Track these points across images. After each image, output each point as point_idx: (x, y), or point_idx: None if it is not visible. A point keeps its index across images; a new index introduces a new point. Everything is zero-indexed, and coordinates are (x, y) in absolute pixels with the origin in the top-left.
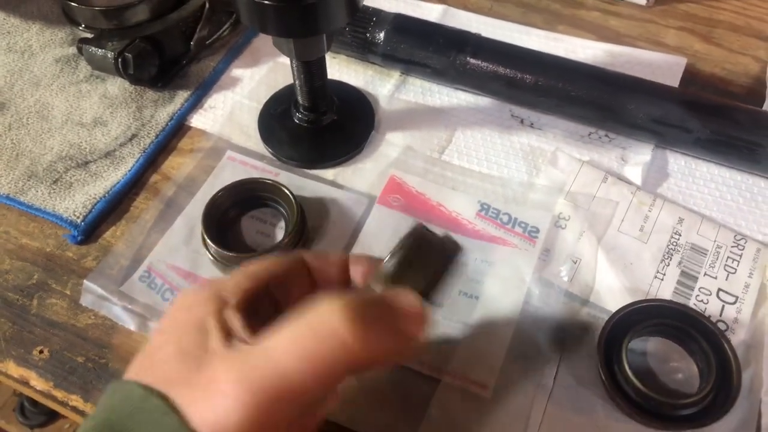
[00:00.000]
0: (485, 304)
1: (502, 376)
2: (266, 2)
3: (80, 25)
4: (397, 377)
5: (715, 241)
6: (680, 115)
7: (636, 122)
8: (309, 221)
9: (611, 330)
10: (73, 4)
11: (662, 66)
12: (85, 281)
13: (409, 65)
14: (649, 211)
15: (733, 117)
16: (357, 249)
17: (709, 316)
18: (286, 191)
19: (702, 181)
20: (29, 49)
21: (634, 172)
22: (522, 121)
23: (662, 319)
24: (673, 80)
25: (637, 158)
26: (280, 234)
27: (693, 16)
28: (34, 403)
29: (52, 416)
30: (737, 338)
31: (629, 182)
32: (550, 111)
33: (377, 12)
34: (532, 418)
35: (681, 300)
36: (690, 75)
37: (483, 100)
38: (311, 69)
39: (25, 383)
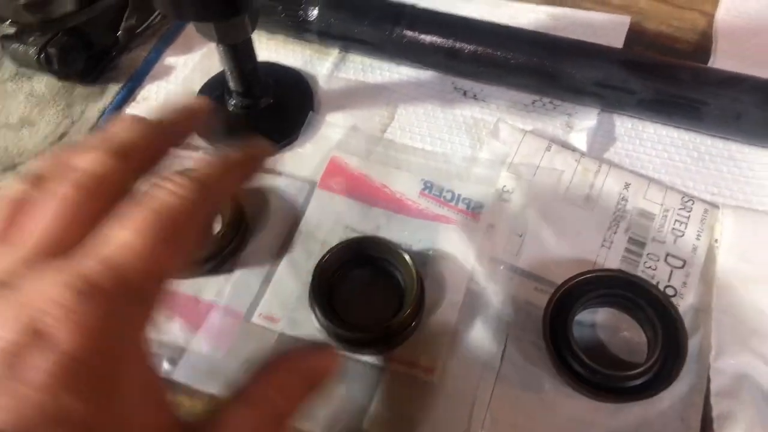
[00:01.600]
0: (429, 286)
1: (449, 359)
2: None
3: (4, 21)
4: (340, 370)
5: (662, 204)
6: (622, 77)
7: (578, 87)
8: (248, 212)
9: (556, 303)
10: None
11: (606, 27)
12: None
13: (346, 42)
14: (595, 177)
15: (675, 75)
16: (299, 237)
17: (657, 283)
18: None
19: (649, 144)
20: None
21: (579, 138)
22: (465, 93)
23: (608, 288)
24: (617, 41)
25: (582, 124)
26: (216, 227)
27: None
28: None
29: None
30: (686, 303)
31: (574, 149)
32: (492, 81)
33: None
34: (479, 399)
35: (629, 268)
36: (636, 34)
37: (425, 74)
38: (239, 53)
39: None
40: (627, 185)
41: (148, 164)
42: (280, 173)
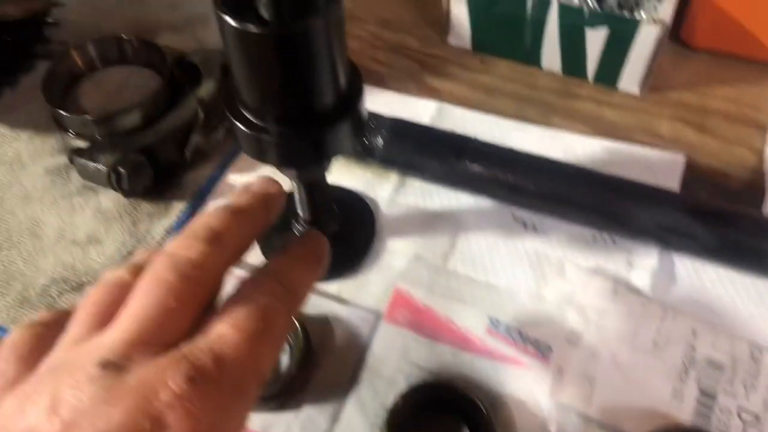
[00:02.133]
0: (502, 428)
1: None
2: (267, 138)
3: (70, 132)
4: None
5: (731, 354)
6: (685, 223)
7: (640, 228)
8: (314, 343)
9: None
10: (62, 112)
11: (661, 164)
12: None
13: (408, 169)
14: (661, 323)
15: (737, 224)
16: (366, 372)
17: None
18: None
19: (711, 286)
20: (19, 160)
21: (642, 278)
22: (525, 225)
23: None
24: (673, 179)
25: (643, 263)
26: (284, 359)
27: (686, 104)
28: None
29: None
30: None
31: (638, 291)
32: (553, 215)
33: (375, 116)
34: None
35: (702, 422)
36: (688, 169)
37: (484, 202)
38: (314, 188)
39: None
40: (694, 332)
41: (239, 253)
42: (344, 302)
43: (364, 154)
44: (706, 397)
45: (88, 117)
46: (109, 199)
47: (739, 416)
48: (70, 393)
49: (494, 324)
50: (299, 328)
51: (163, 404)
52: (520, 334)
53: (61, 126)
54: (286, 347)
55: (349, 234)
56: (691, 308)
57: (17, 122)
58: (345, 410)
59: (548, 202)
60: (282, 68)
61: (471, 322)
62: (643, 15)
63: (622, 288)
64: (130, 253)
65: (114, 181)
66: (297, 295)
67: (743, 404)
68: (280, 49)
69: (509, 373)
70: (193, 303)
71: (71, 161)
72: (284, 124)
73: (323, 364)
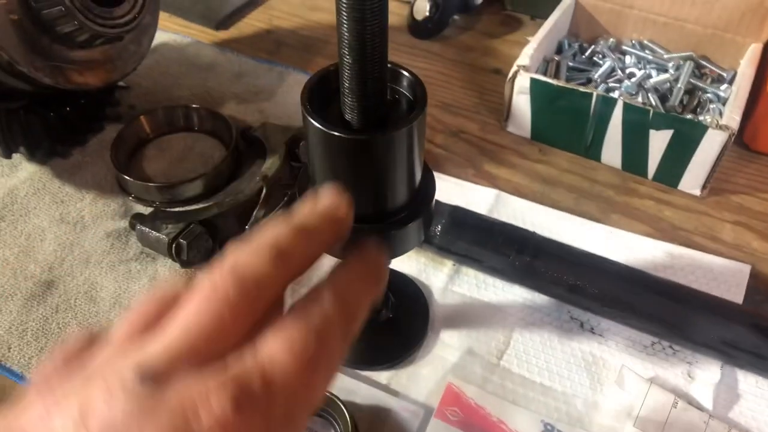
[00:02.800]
0: None
1: None
2: None
3: (131, 196)
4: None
5: None
6: (752, 341)
7: (702, 340)
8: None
9: None
10: (127, 177)
11: (725, 273)
12: None
13: (465, 258)
14: None
15: None
16: None
17: None
18: (340, 405)
19: None
20: (81, 221)
21: (704, 393)
22: (582, 325)
23: None
24: (738, 290)
25: (705, 376)
26: None
27: (747, 209)
28: None
29: None
30: None
31: (699, 406)
32: (612, 319)
33: (435, 203)
34: None
35: None
36: (753, 280)
37: (540, 298)
38: None
39: None
40: None
41: (301, 272)
42: (394, 393)
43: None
44: None
45: (151, 184)
46: (166, 267)
47: None
48: (101, 403)
49: (548, 430)
50: (348, 417)
51: (202, 428)
52: None
53: (124, 190)
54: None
55: (401, 323)
56: (753, 426)
57: (83, 182)
58: None
59: (608, 305)
60: (359, 170)
61: (524, 426)
62: (707, 118)
63: (682, 402)
64: None
65: (174, 252)
66: (355, 318)
67: None
68: (360, 153)
69: None
70: (249, 319)
71: (132, 227)
72: (357, 220)
73: None
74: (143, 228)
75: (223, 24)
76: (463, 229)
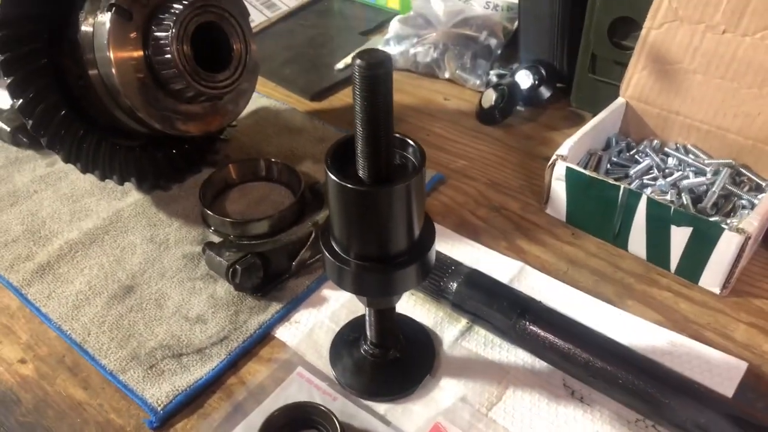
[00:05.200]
0: None
1: None
2: (347, 269)
3: (210, 228)
4: None
5: None
6: (724, 428)
7: (680, 423)
8: None
9: None
10: (209, 211)
11: (721, 367)
12: None
13: (475, 318)
14: None
15: None
16: None
17: None
18: (336, 422)
19: None
20: (166, 242)
21: None
22: (573, 393)
23: None
24: (730, 384)
25: None
26: None
27: (766, 313)
28: None
29: None
30: None
31: None
32: (599, 390)
33: (456, 263)
34: None
35: None
36: (754, 378)
37: (540, 363)
38: (382, 314)
39: None
40: None
41: None
42: (387, 423)
43: (438, 296)
44: None
45: (227, 219)
46: (223, 289)
47: None
48: None
49: None
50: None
51: None
52: None
53: (205, 222)
54: None
55: (407, 363)
56: None
57: (174, 212)
58: None
59: (593, 374)
60: (367, 217)
61: None
62: (734, 221)
63: None
64: (226, 338)
65: (230, 275)
66: None
67: None
68: (367, 203)
69: None
70: None
71: (203, 251)
72: (362, 260)
73: None
74: (211, 252)
75: (317, 96)
76: (476, 289)
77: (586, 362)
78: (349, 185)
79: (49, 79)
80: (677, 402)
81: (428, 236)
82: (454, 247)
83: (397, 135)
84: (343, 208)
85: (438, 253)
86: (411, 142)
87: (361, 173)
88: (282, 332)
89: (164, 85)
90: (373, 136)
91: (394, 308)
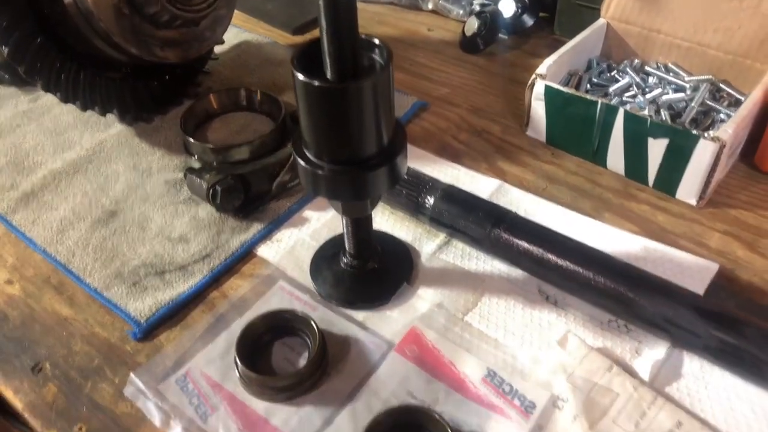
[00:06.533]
0: None
1: None
2: (320, 173)
3: (193, 156)
4: None
5: None
6: (690, 319)
7: (649, 318)
8: (330, 356)
9: None
10: (191, 139)
11: (693, 269)
12: (131, 374)
13: (452, 230)
14: (649, 408)
15: (742, 331)
16: (366, 390)
17: None
18: (314, 326)
19: (713, 389)
20: (149, 170)
21: (644, 366)
22: (547, 298)
23: None
24: (701, 285)
25: (650, 353)
26: (301, 361)
27: (741, 222)
28: None
29: None
30: None
31: (636, 375)
32: (572, 293)
33: (434, 180)
34: None
35: None
36: (725, 281)
37: (515, 272)
38: (358, 224)
39: None
40: (679, 423)
41: None
42: (366, 328)
43: (417, 212)
44: None
45: (209, 145)
46: (206, 211)
47: None
48: None
49: (491, 375)
50: (319, 337)
51: None
52: (511, 388)
53: (188, 150)
54: (305, 351)
55: (385, 274)
56: (686, 402)
57: (156, 142)
58: (339, 417)
59: (569, 279)
60: (335, 117)
61: (470, 369)
62: (711, 133)
63: (618, 368)
64: (208, 256)
65: (210, 196)
66: None
67: None
68: (334, 102)
69: (491, 419)
70: None
71: (185, 176)
72: (333, 163)
73: (332, 373)
74: (192, 176)
75: (299, 30)
76: (452, 202)
77: (559, 266)
78: (315, 83)
79: (24, 5)
80: (648, 299)
81: (399, 141)
82: (434, 170)
83: (363, 36)
84: (312, 109)
85: (416, 170)
86: (377, 43)
87: (328, 74)
88: (263, 250)
89: (139, 9)
90: (337, 33)
91: (370, 218)
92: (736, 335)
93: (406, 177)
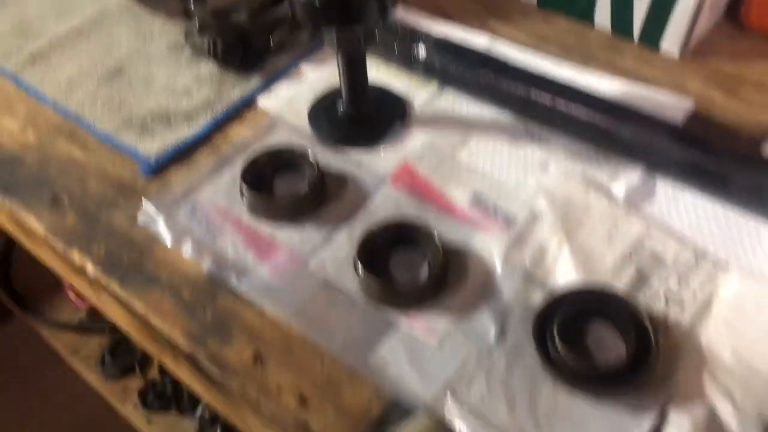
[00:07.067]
0: (456, 273)
1: (453, 331)
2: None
3: (194, 19)
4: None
5: (676, 254)
6: (665, 143)
7: (626, 146)
8: (329, 187)
9: (550, 305)
10: (191, 4)
11: (669, 105)
12: (143, 201)
13: (444, 78)
14: (621, 220)
15: (712, 150)
16: (362, 213)
17: (650, 315)
18: (312, 157)
19: (684, 208)
20: (151, 35)
21: (620, 189)
22: (533, 136)
23: (600, 301)
24: (677, 118)
25: (626, 178)
26: (302, 188)
27: (723, 72)
28: (113, 356)
29: (126, 371)
30: (672, 335)
31: (612, 196)
32: (558, 129)
33: (427, 33)
34: (470, 363)
35: (630, 294)
36: (699, 121)
37: (505, 117)
38: (352, 65)
39: (82, 269)
40: (648, 233)
41: None
42: (360, 165)
43: (409, 62)
44: (641, 280)
45: (208, 6)
46: (208, 68)
47: (666, 300)
48: None
49: (477, 199)
50: (317, 167)
51: None
52: (495, 207)
53: (188, 15)
54: (305, 181)
55: (380, 118)
56: (656, 217)
57: (157, 8)
58: (337, 235)
59: (554, 116)
60: None
61: (458, 195)
62: None
63: (594, 188)
64: (210, 106)
65: (212, 51)
66: None
67: (673, 292)
68: None
69: (476, 234)
70: None
71: (186, 38)
72: None
73: (332, 198)
74: (193, 35)
75: None
76: (443, 53)
77: (544, 104)
78: None
79: None
80: (627, 128)
81: None
82: (426, 29)
83: None
84: None
85: (410, 25)
86: None
87: None
88: (264, 101)
89: None
90: None
91: (364, 60)
92: (705, 155)
93: (399, 30)
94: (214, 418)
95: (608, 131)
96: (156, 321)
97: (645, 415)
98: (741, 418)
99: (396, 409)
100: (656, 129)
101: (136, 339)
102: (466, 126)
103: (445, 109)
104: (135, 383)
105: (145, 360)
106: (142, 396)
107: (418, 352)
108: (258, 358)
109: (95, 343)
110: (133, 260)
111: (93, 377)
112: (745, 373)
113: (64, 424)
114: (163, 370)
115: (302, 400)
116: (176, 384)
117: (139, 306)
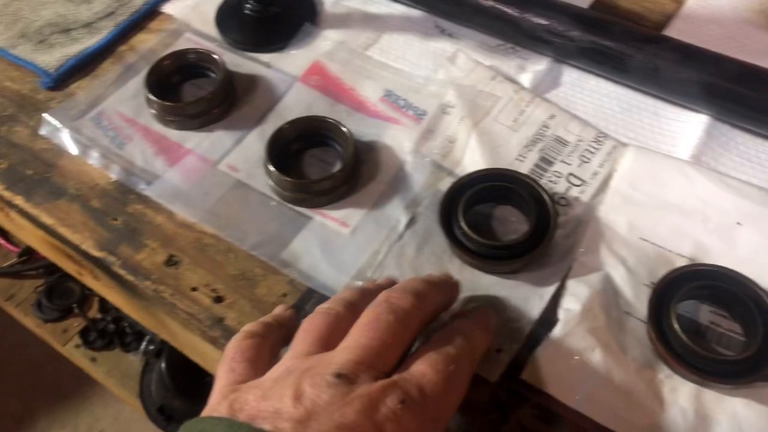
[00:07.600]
0: (367, 166)
1: (365, 221)
2: None
3: None
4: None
5: (578, 136)
6: (566, 26)
7: (531, 32)
8: (239, 92)
9: (455, 189)
10: None
11: None
12: (45, 114)
13: None
14: (526, 106)
15: (610, 29)
16: (273, 115)
17: (554, 194)
18: (218, 61)
19: (588, 93)
20: None
21: (527, 78)
22: (443, 31)
23: (502, 183)
24: (581, 3)
25: (534, 67)
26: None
27: None
28: (50, 299)
29: (65, 314)
30: (573, 212)
31: (518, 85)
32: (463, 20)
33: None
34: (381, 251)
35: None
36: (605, 8)
37: (415, 13)
38: None
39: None
40: (552, 116)
41: (433, 314)
42: (270, 66)
43: None
44: (545, 162)
45: None
46: None
47: (568, 180)
48: (311, 390)
49: (388, 94)
50: (223, 68)
51: (382, 416)
52: (406, 102)
53: None
54: (212, 87)
55: (289, 17)
56: (562, 104)
57: None
58: (248, 136)
59: (462, 9)
60: None
61: (369, 92)
62: None
63: (500, 77)
64: (112, 13)
65: None
66: (476, 351)
67: (575, 171)
68: None
69: (387, 129)
70: (402, 342)
71: None
72: None
73: (242, 102)
74: None
75: None
76: None
77: None
78: None
79: None
80: (529, 13)
81: None
82: None
83: None
84: None
85: None
86: None
87: None
88: (168, 7)
89: None
90: None
91: None
92: (605, 34)
93: None
94: (159, 351)
95: (514, 18)
96: (66, 232)
97: (546, 287)
98: (633, 281)
99: (310, 298)
100: (560, 13)
101: (50, 257)
102: (378, 23)
103: (356, 7)
104: (75, 324)
105: (83, 300)
106: (84, 335)
107: (331, 243)
108: (171, 261)
109: (30, 287)
110: (39, 173)
111: (31, 322)
112: (639, 243)
113: (6, 372)
114: (104, 308)
115: (217, 298)
116: (118, 320)
117: (47, 219)
